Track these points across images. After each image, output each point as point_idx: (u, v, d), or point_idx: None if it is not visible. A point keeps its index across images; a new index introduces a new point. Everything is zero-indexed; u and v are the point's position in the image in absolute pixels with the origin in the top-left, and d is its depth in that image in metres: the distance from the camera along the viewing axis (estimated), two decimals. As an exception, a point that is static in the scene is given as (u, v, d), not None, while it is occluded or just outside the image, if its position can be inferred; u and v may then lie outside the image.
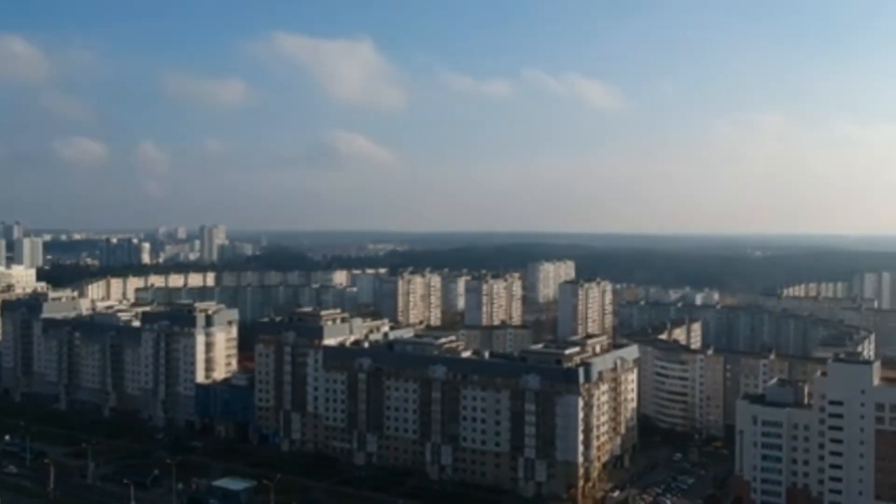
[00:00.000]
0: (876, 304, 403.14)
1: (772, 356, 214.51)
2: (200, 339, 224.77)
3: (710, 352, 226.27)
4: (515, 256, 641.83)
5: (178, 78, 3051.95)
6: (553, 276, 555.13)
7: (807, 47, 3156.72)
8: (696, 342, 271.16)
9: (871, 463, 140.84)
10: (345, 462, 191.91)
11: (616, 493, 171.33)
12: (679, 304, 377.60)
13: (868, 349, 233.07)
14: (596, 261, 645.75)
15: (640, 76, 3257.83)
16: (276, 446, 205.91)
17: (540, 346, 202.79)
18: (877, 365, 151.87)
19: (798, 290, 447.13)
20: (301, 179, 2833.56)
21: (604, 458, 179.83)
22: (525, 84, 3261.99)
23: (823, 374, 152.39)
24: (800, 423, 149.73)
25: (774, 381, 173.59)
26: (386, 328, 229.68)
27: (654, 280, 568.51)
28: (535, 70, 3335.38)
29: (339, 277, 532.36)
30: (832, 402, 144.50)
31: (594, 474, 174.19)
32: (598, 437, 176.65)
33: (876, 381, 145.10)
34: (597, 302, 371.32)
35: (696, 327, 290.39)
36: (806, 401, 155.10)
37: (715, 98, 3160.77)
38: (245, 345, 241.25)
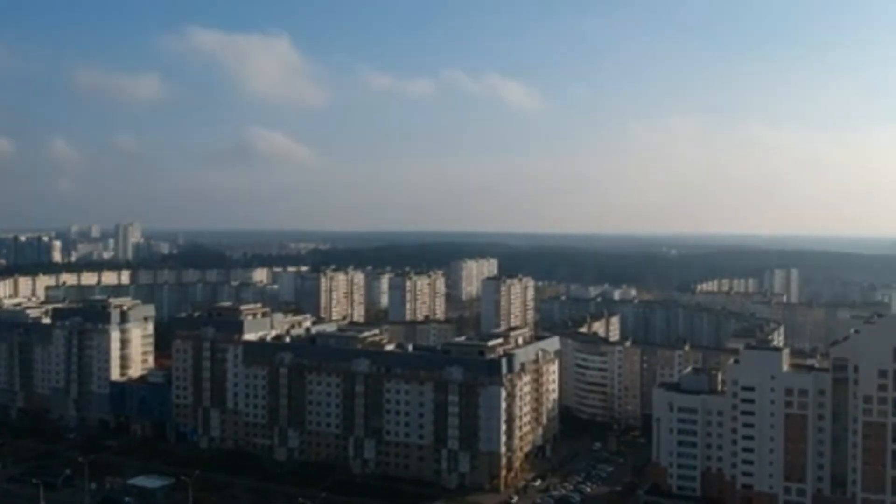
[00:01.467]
0: (785, 299, 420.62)
1: (686, 347, 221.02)
2: (115, 336, 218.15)
3: (628, 343, 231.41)
4: (439, 255, 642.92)
5: (89, 73, 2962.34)
6: (476, 273, 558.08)
7: (719, 51, 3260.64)
8: (614, 335, 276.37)
9: (780, 445, 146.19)
10: (266, 458, 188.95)
11: (538, 482, 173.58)
12: (598, 300, 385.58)
13: (778, 340, 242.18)
14: (518, 259, 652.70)
15: (558, 78, 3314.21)
16: (195, 444, 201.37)
17: (463, 338, 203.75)
18: (786, 352, 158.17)
19: (711, 286, 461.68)
20: (219, 177, 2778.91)
21: (526, 449, 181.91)
22: (445, 84, 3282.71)
23: (736, 361, 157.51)
24: (713, 409, 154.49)
25: (689, 369, 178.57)
26: (308, 323, 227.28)
27: (575, 278, 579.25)
28: (454, 70, 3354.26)
29: (260, 275, 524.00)
30: (744, 388, 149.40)
31: (516, 464, 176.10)
32: (520, 428, 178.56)
33: (785, 368, 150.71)
34: (519, 298, 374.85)
35: (615, 321, 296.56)
36: (719, 388, 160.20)
37: (630, 100, 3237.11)
38: (162, 343, 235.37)
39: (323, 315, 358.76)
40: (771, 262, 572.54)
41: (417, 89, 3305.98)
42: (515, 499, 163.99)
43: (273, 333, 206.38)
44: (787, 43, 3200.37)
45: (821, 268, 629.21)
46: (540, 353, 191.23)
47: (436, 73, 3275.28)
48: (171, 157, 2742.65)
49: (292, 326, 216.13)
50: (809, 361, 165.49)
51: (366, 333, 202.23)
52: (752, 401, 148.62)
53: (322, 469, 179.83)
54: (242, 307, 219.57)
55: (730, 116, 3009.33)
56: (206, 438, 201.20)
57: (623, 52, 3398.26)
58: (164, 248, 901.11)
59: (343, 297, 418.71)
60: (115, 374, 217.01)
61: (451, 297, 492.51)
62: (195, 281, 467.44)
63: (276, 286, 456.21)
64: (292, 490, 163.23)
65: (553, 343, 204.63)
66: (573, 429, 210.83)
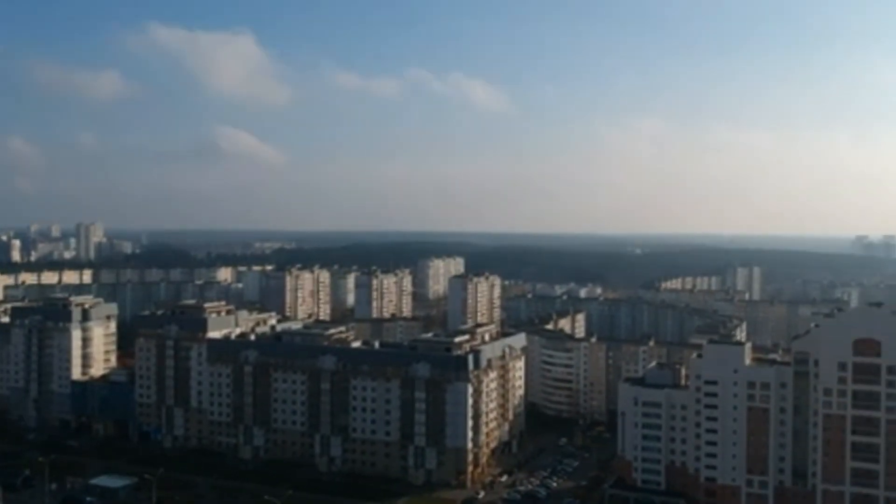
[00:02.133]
0: (747, 296, 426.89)
1: (651, 343, 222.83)
2: (76, 335, 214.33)
3: (593, 340, 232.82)
4: (405, 254, 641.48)
5: (47, 69, 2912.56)
6: (443, 272, 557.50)
7: (685, 54, 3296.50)
8: (580, 332, 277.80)
9: (743, 438, 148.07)
10: (231, 457, 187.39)
11: (504, 478, 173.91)
12: (564, 298, 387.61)
13: (740, 336, 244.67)
14: (484, 258, 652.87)
15: (523, 79, 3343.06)
16: (159, 443, 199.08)
17: (430, 335, 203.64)
18: (748, 346, 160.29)
19: (675, 284, 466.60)
20: (183, 177, 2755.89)
21: (492, 444, 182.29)
22: (411, 83, 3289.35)
23: (699, 355, 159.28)
24: (677, 402, 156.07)
25: (653, 364, 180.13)
26: (273, 321, 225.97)
27: (541, 276, 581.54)
28: (420, 70, 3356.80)
29: (224, 274, 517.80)
30: (707, 382, 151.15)
31: (483, 460, 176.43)
32: (486, 424, 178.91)
33: (748, 361, 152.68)
34: (485, 296, 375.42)
35: (581, 318, 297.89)
36: (683, 382, 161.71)
37: (595, 102, 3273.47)
38: (125, 343, 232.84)
39: (288, 314, 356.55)
40: (734, 261, 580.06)
41: (383, 89, 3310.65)
42: (482, 494, 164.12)
43: (238, 331, 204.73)
44: (750, 48, 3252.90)
45: (782, 266, 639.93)
46: (506, 350, 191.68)
47: (401, 73, 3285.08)
48: (134, 156, 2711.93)
49: (257, 324, 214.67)
50: (771, 356, 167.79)
51: (332, 331, 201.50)
52: (715, 394, 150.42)
53: (288, 467, 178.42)
54: (207, 305, 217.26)
55: (693, 119, 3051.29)
56: (170, 437, 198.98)
57: (586, 55, 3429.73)
58: (127, 248, 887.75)
59: (309, 295, 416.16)
60: (76, 374, 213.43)
61: (418, 296, 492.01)
62: (158, 280, 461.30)
63: (240, 285, 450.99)
64: (258, 488, 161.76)
65: (519, 339, 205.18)
66: (539, 425, 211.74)
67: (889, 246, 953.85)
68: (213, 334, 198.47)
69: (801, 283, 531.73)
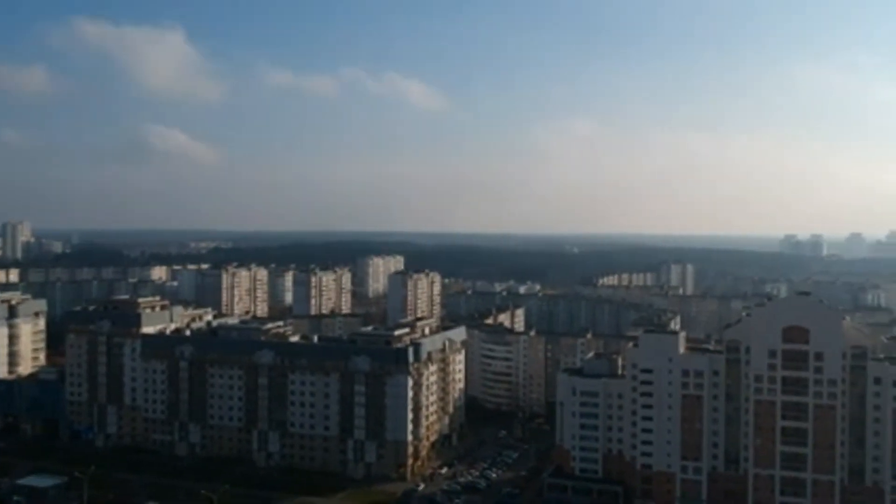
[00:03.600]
0: (681, 291, 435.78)
1: (588, 336, 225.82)
2: (2, 332, 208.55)
3: (532, 333, 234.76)
4: (345, 253, 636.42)
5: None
6: (383, 270, 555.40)
7: (618, 56, 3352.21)
8: (519, 327, 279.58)
9: (677, 425, 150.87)
10: (166, 454, 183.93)
11: (444, 470, 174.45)
12: (504, 294, 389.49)
13: (674, 328, 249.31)
14: (424, 257, 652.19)
15: (459, 80, 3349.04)
16: (91, 442, 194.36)
17: (369, 328, 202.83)
18: (682, 335, 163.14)
19: (612, 280, 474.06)
20: (115, 175, 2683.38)
21: (432, 437, 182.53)
22: (346, 82, 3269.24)
23: (635, 345, 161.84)
24: (614, 392, 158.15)
25: (591, 354, 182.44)
26: (209, 317, 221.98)
27: (481, 275, 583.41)
28: (354, 69, 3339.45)
29: (159, 273, 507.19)
30: (643, 371, 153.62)
31: (423, 453, 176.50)
32: (427, 417, 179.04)
33: (681, 350, 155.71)
34: (426, 292, 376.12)
35: (520, 313, 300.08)
36: (620, 372, 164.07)
37: (531, 103, 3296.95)
38: (55, 342, 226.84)
39: (225, 312, 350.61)
40: (667, 259, 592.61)
41: (318, 87, 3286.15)
42: (422, 487, 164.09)
43: (173, 327, 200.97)
44: (681, 51, 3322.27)
45: (714, 264, 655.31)
46: (446, 343, 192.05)
47: (335, 72, 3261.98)
48: (63, 154, 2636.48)
49: (193, 320, 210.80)
50: (705, 346, 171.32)
51: (269, 326, 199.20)
52: (650, 383, 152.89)
53: (225, 463, 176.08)
54: (140, 300, 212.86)
55: (627, 121, 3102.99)
56: (103, 436, 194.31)
57: (520, 55, 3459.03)
58: (57, 248, 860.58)
59: (245, 293, 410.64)
60: (2, 372, 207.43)
61: (358, 295, 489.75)
62: (90, 279, 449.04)
63: (175, 283, 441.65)
64: (193, 485, 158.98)
65: (460, 333, 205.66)
66: (479, 418, 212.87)
67: (816, 244, 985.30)
68: (148, 330, 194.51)
69: (731, 280, 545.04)
